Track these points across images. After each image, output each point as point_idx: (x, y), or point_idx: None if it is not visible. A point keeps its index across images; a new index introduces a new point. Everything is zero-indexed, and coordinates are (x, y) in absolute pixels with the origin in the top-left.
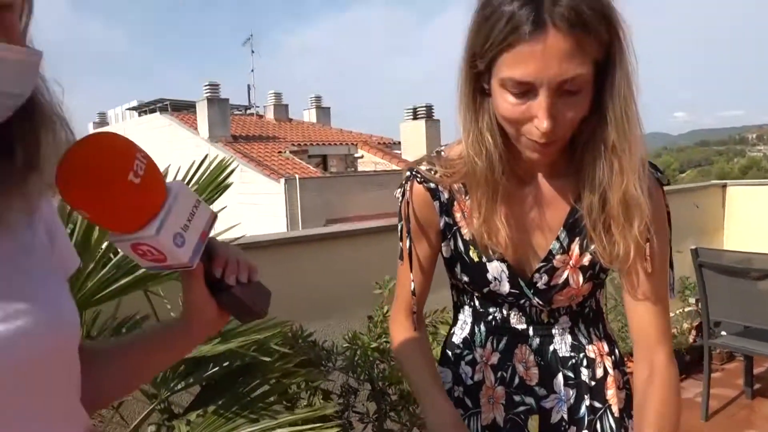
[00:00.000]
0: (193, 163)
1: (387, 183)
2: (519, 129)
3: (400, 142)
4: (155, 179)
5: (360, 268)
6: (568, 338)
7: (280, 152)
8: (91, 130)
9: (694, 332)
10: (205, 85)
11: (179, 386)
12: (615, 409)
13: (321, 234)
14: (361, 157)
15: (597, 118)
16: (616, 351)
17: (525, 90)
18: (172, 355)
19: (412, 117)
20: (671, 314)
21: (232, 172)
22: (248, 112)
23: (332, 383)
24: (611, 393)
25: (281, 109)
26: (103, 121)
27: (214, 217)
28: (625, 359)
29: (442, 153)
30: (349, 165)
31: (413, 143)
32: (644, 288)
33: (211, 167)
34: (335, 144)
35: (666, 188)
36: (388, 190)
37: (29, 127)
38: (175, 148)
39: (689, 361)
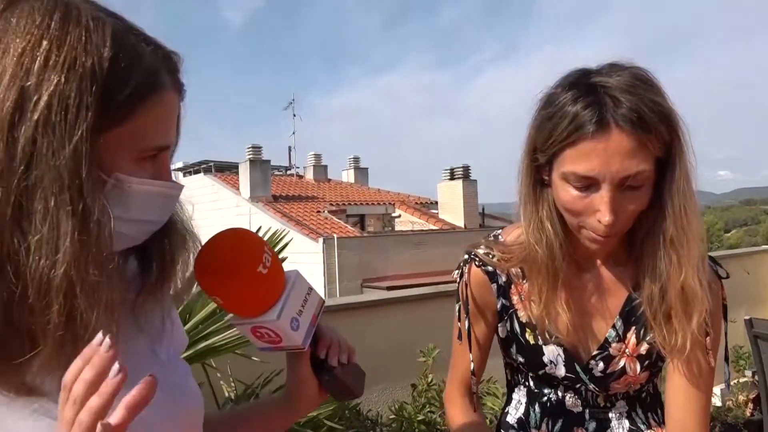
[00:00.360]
0: None
1: (424, 242)
2: (580, 220)
3: (437, 202)
4: (278, 269)
5: (408, 333)
6: (626, 423)
7: (318, 212)
8: None
9: (751, 405)
10: (248, 148)
11: None
12: None
13: (378, 300)
14: (399, 216)
15: (656, 212)
16: (659, 412)
17: (587, 184)
18: (272, 428)
19: (449, 177)
20: (722, 385)
21: (286, 245)
22: (288, 172)
23: None
24: None
25: (320, 169)
26: None
27: (322, 302)
28: None
29: (500, 237)
30: (386, 224)
31: (450, 203)
32: (693, 380)
33: (265, 239)
34: (373, 204)
35: (714, 253)
36: (425, 250)
37: (166, 246)
38: (217, 207)
39: None
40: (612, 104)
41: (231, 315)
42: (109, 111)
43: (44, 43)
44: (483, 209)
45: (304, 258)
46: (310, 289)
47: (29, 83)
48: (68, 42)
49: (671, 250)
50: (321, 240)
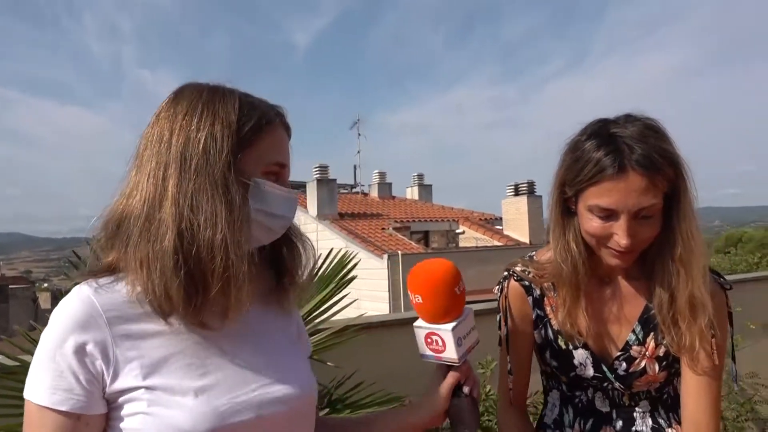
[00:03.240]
0: (320, 255)
1: (488, 259)
2: (602, 242)
3: (501, 218)
4: (464, 296)
5: None
6: (649, 421)
7: (383, 229)
8: None
9: None
10: (315, 168)
11: None
12: None
13: None
14: (463, 232)
15: (667, 235)
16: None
17: (608, 214)
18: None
19: (513, 193)
20: None
21: (354, 266)
22: (354, 190)
23: None
24: None
25: (385, 187)
26: None
27: (478, 341)
28: None
29: (534, 257)
30: (450, 241)
31: (515, 219)
32: (702, 375)
33: (334, 262)
34: (437, 220)
35: (748, 275)
36: (490, 266)
37: (290, 243)
38: None
39: None
40: (628, 151)
41: (417, 320)
42: (241, 138)
43: (200, 105)
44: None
45: (369, 274)
46: (474, 327)
47: (192, 129)
48: (214, 104)
49: (679, 265)
50: (386, 256)
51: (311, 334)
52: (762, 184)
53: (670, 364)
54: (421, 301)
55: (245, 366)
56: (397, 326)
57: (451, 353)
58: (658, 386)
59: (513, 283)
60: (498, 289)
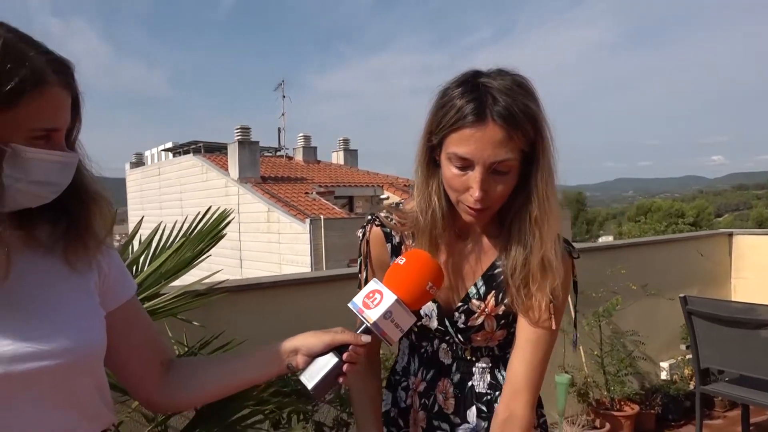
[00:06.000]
0: (198, 213)
1: None
2: (458, 195)
3: None
4: (427, 297)
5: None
6: (487, 377)
7: (307, 193)
8: (128, 171)
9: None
10: (237, 129)
11: None
12: None
13: (336, 275)
14: (387, 198)
15: (524, 196)
16: None
17: (465, 165)
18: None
19: None
20: (672, 360)
21: (228, 222)
22: (278, 153)
23: (325, 416)
24: None
25: (310, 151)
26: (139, 161)
27: (392, 341)
28: (622, 403)
29: (401, 205)
30: (374, 206)
31: None
32: (532, 337)
33: (213, 218)
34: (361, 185)
35: (672, 236)
36: None
37: (79, 203)
38: (206, 188)
39: (689, 407)
40: (491, 101)
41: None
42: None
43: None
44: None
45: (292, 239)
46: (403, 333)
47: None
48: None
49: (535, 227)
50: (308, 221)
51: (178, 295)
52: (671, 158)
53: (509, 324)
54: (402, 262)
55: (5, 321)
56: (309, 285)
57: (374, 314)
58: (498, 344)
59: (374, 228)
60: (361, 233)
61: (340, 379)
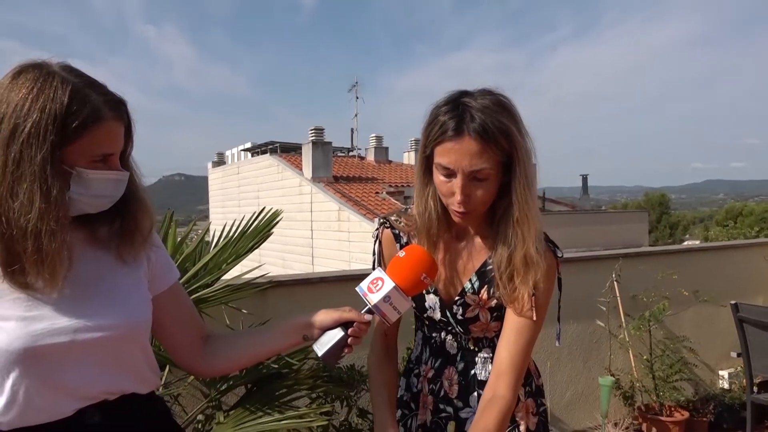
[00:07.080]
0: (254, 213)
1: None
2: (446, 200)
3: None
4: (421, 287)
5: None
6: (489, 366)
7: (377, 193)
8: (210, 170)
9: (755, 388)
10: (311, 129)
11: (224, 387)
12: (523, 428)
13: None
14: None
15: (507, 200)
16: (533, 384)
17: (449, 173)
18: (276, 338)
19: None
20: (732, 369)
21: (276, 222)
22: (350, 154)
23: (367, 403)
24: (521, 415)
25: (381, 151)
26: (221, 160)
27: (399, 317)
28: (672, 408)
29: (409, 210)
30: None
31: None
32: (515, 326)
33: (266, 218)
34: None
35: (737, 242)
36: None
37: (130, 209)
38: (281, 187)
39: (745, 416)
40: (469, 119)
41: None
42: (66, 134)
43: (30, 96)
44: (544, 193)
45: (362, 237)
46: (400, 316)
47: (20, 119)
48: (43, 96)
49: (517, 227)
50: (377, 220)
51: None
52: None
53: (503, 317)
54: (402, 255)
55: (71, 302)
56: (321, 283)
57: (376, 297)
58: (497, 335)
59: (385, 230)
60: (374, 235)
61: (346, 350)
